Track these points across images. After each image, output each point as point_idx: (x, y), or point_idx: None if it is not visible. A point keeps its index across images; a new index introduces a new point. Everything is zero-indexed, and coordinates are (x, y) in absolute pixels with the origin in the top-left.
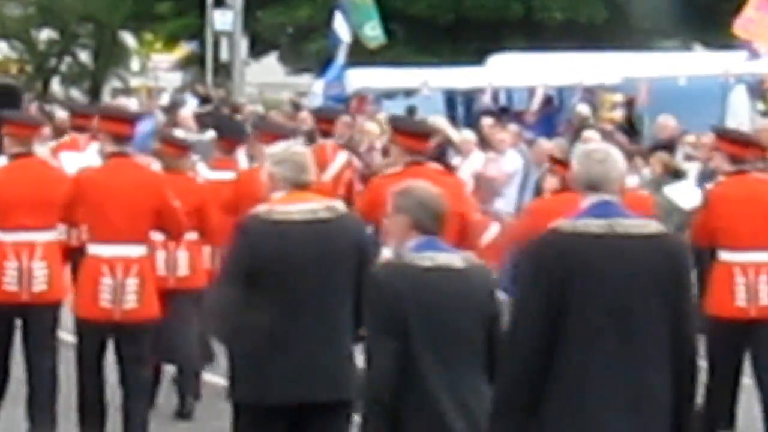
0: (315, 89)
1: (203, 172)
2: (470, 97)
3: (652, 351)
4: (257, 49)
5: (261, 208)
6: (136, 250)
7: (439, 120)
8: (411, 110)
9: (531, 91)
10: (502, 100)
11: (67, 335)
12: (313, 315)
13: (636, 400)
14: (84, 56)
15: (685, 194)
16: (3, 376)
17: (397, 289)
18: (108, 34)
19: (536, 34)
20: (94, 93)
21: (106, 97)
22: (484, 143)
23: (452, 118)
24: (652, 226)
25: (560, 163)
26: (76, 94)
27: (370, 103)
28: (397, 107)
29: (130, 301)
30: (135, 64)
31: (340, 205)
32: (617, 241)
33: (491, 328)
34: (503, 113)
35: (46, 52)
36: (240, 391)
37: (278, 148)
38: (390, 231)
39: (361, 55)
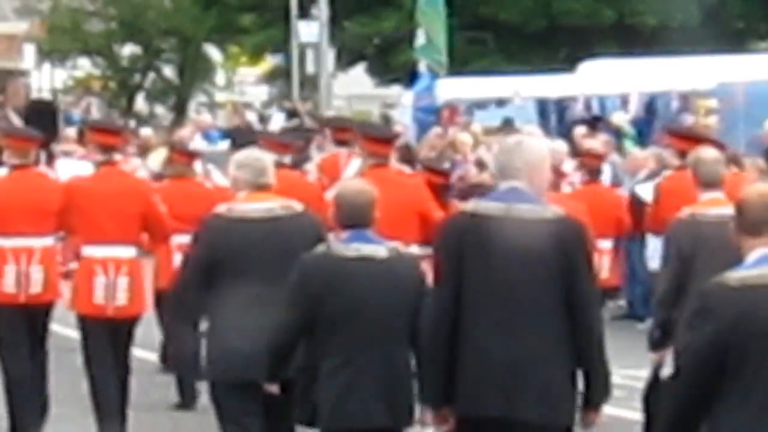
0: (404, 101)
1: (218, 179)
2: (562, 105)
3: (536, 321)
4: (344, 60)
5: (222, 207)
6: (126, 252)
7: (533, 130)
8: (508, 122)
9: (624, 99)
10: (595, 108)
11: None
12: (267, 302)
13: (514, 360)
14: (168, 71)
15: None
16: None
17: (312, 273)
18: (192, 48)
19: (628, 40)
20: (180, 109)
21: (191, 113)
22: (578, 153)
23: (544, 127)
24: (549, 212)
25: (427, 168)
26: (161, 110)
27: (461, 114)
28: (489, 117)
29: (122, 299)
30: (220, 79)
31: (297, 205)
32: (510, 223)
33: (416, 308)
34: (596, 122)
35: (130, 67)
36: (209, 368)
37: (241, 154)
38: (329, 225)
39: (452, 64)
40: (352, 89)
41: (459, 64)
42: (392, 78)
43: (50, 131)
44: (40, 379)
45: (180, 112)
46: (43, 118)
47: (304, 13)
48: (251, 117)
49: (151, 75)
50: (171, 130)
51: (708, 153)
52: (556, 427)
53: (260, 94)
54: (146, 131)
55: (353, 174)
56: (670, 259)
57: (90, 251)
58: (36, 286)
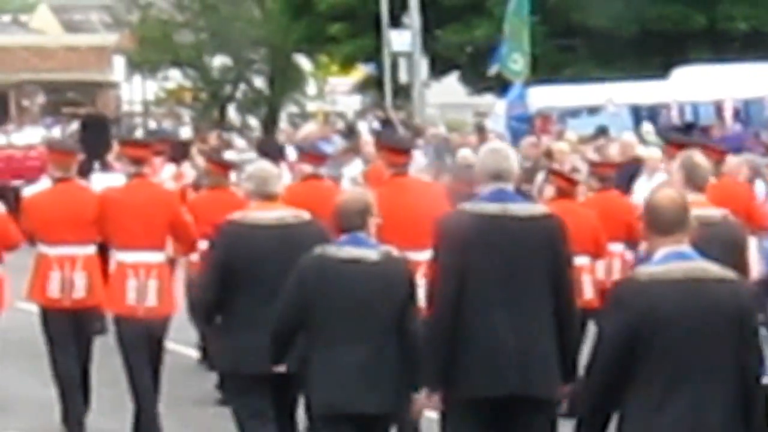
0: (497, 110)
1: None
2: (655, 112)
3: (534, 306)
4: (437, 69)
5: (237, 215)
6: (155, 257)
7: (629, 137)
8: (603, 130)
9: (717, 105)
10: (688, 115)
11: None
12: (276, 302)
13: (522, 342)
14: (259, 82)
15: None
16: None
17: (308, 272)
18: (282, 58)
19: (720, 45)
20: (271, 119)
21: (282, 124)
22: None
23: (637, 135)
24: (537, 210)
25: (557, 174)
26: (252, 121)
27: (554, 123)
28: (581, 125)
29: (152, 300)
30: (311, 89)
31: (305, 214)
32: (508, 220)
33: (404, 308)
34: (689, 129)
35: (221, 78)
36: (218, 361)
37: (251, 167)
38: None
39: (542, 71)
40: (445, 98)
41: (549, 72)
42: (485, 87)
43: (104, 143)
44: (84, 376)
45: (271, 122)
46: (96, 131)
47: (396, 22)
48: (340, 126)
49: (242, 86)
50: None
51: (702, 158)
52: (554, 400)
53: (352, 103)
54: (240, 142)
55: None
56: None
57: (122, 257)
58: (80, 292)
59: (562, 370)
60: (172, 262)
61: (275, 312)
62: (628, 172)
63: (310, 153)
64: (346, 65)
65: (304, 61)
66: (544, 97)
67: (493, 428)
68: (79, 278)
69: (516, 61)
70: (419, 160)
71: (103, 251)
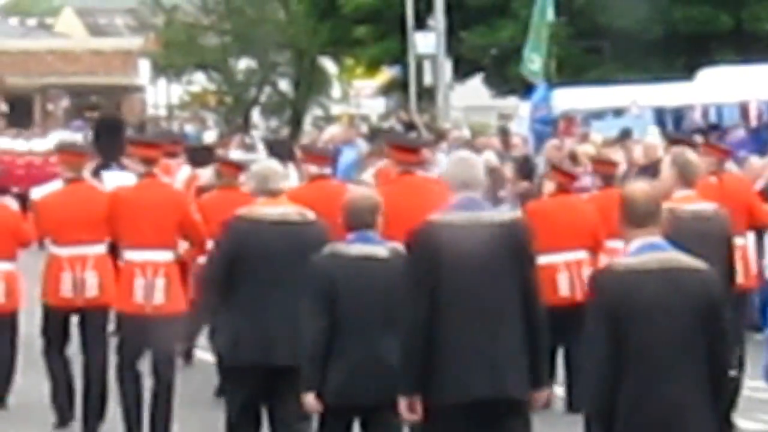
0: (521, 112)
1: None
2: (680, 114)
3: (504, 311)
4: (461, 71)
5: (243, 210)
6: (164, 255)
7: (653, 139)
8: (626, 132)
9: (742, 107)
10: (712, 116)
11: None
12: (278, 293)
13: (496, 345)
14: (284, 85)
15: None
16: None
17: (326, 270)
18: (307, 61)
19: (746, 46)
20: (296, 122)
21: (307, 127)
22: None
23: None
24: (503, 217)
25: (557, 169)
26: (276, 124)
27: (578, 125)
28: (606, 127)
29: (159, 298)
30: (336, 92)
31: (309, 213)
32: (480, 230)
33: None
34: (713, 130)
35: (245, 82)
36: (227, 352)
37: (255, 165)
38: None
39: (568, 73)
40: (470, 100)
41: (575, 74)
42: (509, 89)
43: (119, 145)
44: (99, 375)
45: (296, 125)
46: (111, 134)
47: (421, 24)
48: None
49: (267, 89)
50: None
51: (694, 155)
52: (527, 401)
53: (377, 106)
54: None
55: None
56: None
57: (130, 255)
58: (92, 291)
59: (534, 372)
60: (183, 264)
61: (304, 326)
62: (652, 173)
63: (316, 154)
64: (371, 68)
65: (329, 64)
66: (569, 99)
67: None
68: (90, 277)
69: (533, 62)
70: (443, 162)
71: (115, 250)
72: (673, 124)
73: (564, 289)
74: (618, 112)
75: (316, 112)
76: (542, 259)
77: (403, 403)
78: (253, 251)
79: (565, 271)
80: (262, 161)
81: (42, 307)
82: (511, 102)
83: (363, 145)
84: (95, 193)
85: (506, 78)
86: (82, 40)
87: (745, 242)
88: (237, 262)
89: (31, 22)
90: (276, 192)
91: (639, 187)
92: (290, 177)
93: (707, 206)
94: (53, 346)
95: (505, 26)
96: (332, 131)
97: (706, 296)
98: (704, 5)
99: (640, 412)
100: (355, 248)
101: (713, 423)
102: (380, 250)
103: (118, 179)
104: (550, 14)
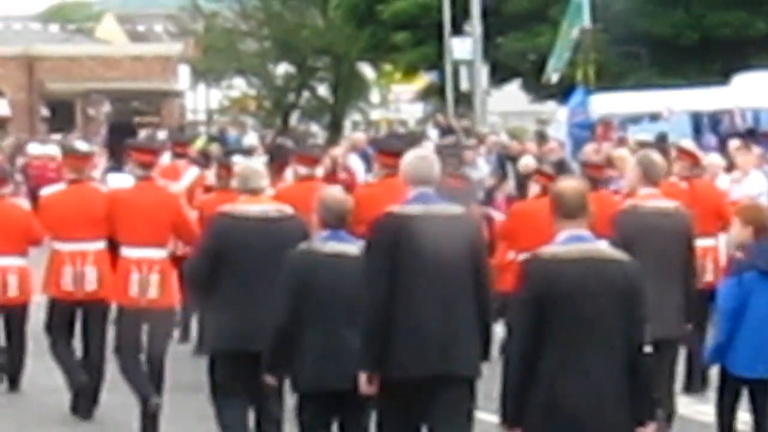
0: (559, 117)
1: None
2: (716, 118)
3: (456, 295)
4: (498, 76)
5: (227, 207)
6: (158, 253)
7: (687, 143)
8: (662, 137)
9: None
10: (749, 120)
11: None
12: (259, 285)
13: (448, 327)
14: (322, 90)
15: None
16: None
17: (299, 265)
18: (346, 67)
19: None
20: (335, 127)
21: (346, 131)
22: (733, 166)
23: (698, 141)
24: (455, 209)
25: (542, 173)
26: (315, 129)
27: (615, 130)
28: (642, 131)
29: (153, 293)
30: (375, 97)
31: (288, 209)
32: (434, 221)
33: None
34: (750, 135)
35: (284, 86)
36: (211, 340)
37: (238, 166)
38: (313, 226)
39: (606, 79)
40: (507, 105)
41: (613, 79)
42: (547, 94)
43: None
44: (97, 363)
45: (335, 130)
46: (123, 136)
47: (458, 30)
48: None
49: (306, 94)
50: (326, 149)
51: (658, 156)
52: (474, 378)
53: (415, 111)
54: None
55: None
56: (616, 242)
57: (127, 252)
58: (91, 284)
59: (485, 350)
60: (177, 259)
61: (275, 309)
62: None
63: (305, 155)
64: (409, 73)
65: (367, 70)
66: (606, 104)
67: (420, 405)
68: (90, 272)
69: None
70: (482, 167)
71: (114, 247)
72: (710, 129)
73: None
74: (654, 117)
75: (355, 116)
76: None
77: (362, 378)
78: (234, 246)
79: None
80: (245, 162)
81: (47, 301)
82: (548, 107)
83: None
84: (96, 193)
85: (544, 83)
86: (123, 46)
87: (716, 243)
88: (220, 257)
89: (72, 28)
90: (256, 190)
91: (569, 184)
92: (288, 180)
93: (668, 203)
94: (59, 337)
95: (542, 32)
96: (357, 136)
97: (625, 284)
98: (739, 11)
99: (560, 384)
100: (329, 246)
101: (627, 394)
102: (351, 248)
103: (119, 180)
104: (586, 20)
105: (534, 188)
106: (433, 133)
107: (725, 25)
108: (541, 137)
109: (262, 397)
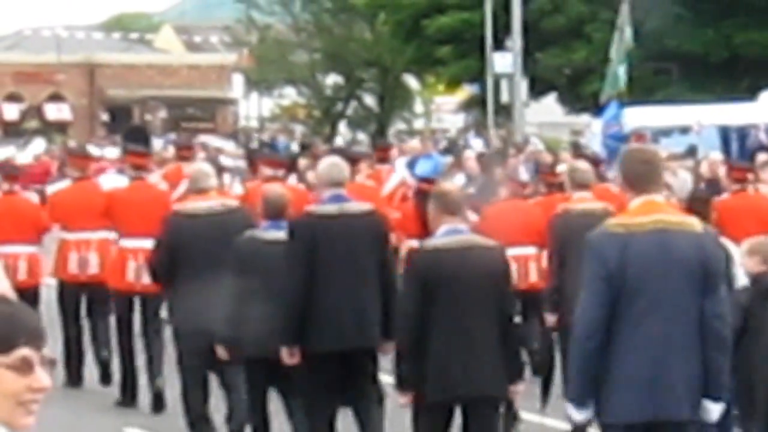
0: (593, 129)
1: (236, 189)
2: (744, 133)
3: (366, 280)
4: (536, 89)
5: (178, 206)
6: (151, 243)
7: (715, 156)
8: (692, 149)
9: None
10: None
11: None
12: (208, 275)
13: (356, 310)
14: (369, 100)
15: None
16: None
17: (243, 250)
18: (392, 78)
19: None
20: (380, 135)
21: (391, 140)
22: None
23: (727, 154)
24: (364, 207)
25: (511, 179)
26: (362, 137)
27: (647, 141)
28: (673, 144)
29: (147, 278)
30: (418, 107)
31: (233, 202)
32: (345, 218)
33: None
34: None
35: (333, 96)
36: (173, 320)
37: (189, 168)
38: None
39: (638, 93)
40: (544, 117)
41: (645, 93)
42: (582, 107)
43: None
44: (104, 337)
45: (380, 138)
46: (138, 140)
47: (499, 45)
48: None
49: (353, 103)
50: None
51: (584, 164)
52: (381, 351)
53: (457, 121)
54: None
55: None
56: (552, 243)
57: (124, 243)
58: (93, 268)
59: (387, 326)
60: None
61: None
62: (715, 188)
63: (269, 159)
64: (452, 85)
65: (411, 81)
66: (638, 117)
67: (337, 376)
68: (92, 258)
69: (622, 74)
70: (523, 174)
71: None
72: (738, 143)
73: (514, 278)
74: (684, 130)
75: (400, 125)
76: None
77: (284, 351)
78: (187, 239)
79: (514, 263)
80: (195, 165)
81: (57, 284)
82: (582, 119)
83: (438, 157)
84: (96, 189)
85: (579, 96)
86: (180, 56)
87: None
88: (176, 250)
89: (132, 37)
90: (204, 189)
91: (451, 185)
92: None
93: (596, 205)
94: (68, 315)
95: (579, 48)
96: (412, 144)
97: (495, 267)
98: (765, 30)
99: (445, 352)
100: (269, 234)
101: (501, 355)
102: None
103: (113, 181)
104: (627, 36)
105: (503, 192)
106: (476, 142)
107: (753, 44)
108: (576, 147)
109: (224, 366)
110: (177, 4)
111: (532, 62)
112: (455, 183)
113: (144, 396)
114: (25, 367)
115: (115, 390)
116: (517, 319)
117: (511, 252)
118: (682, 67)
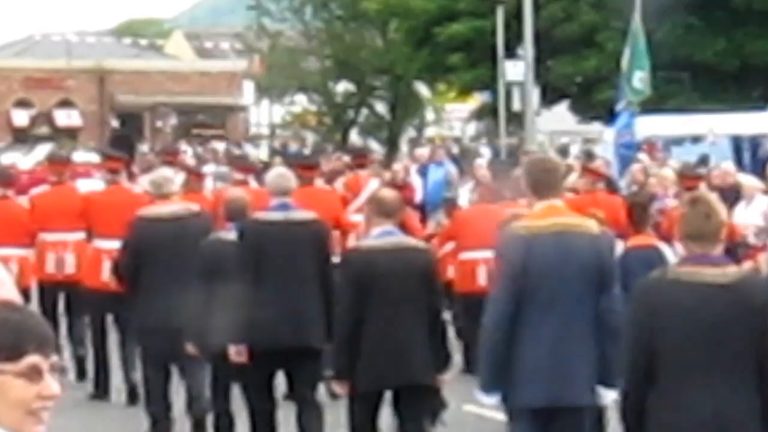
0: (606, 137)
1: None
2: (756, 142)
3: (305, 280)
4: (548, 98)
5: (143, 210)
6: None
7: (727, 165)
8: (704, 159)
9: None
10: None
11: None
12: (171, 275)
13: (295, 307)
14: (380, 107)
15: None
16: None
17: (209, 251)
18: (403, 86)
19: None
20: (391, 143)
21: (403, 147)
22: None
23: (739, 164)
24: (309, 215)
25: (481, 186)
26: (373, 144)
27: (659, 150)
28: (684, 153)
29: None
30: (430, 114)
31: (195, 207)
32: (289, 225)
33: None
34: None
35: (344, 104)
36: (138, 319)
37: (152, 175)
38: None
39: (650, 102)
40: (555, 125)
41: (657, 102)
42: (593, 115)
43: (129, 156)
44: (78, 336)
45: (392, 146)
46: (122, 146)
47: (511, 53)
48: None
49: (364, 111)
50: (384, 164)
51: (387, 192)
52: (320, 350)
53: (468, 129)
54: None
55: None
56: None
57: (99, 243)
58: (70, 268)
59: (330, 326)
60: None
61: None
62: (728, 197)
63: (240, 164)
64: (463, 93)
65: (422, 89)
66: (650, 126)
67: (277, 373)
68: (69, 258)
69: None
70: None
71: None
72: (750, 152)
73: (482, 279)
74: (696, 139)
75: (411, 133)
76: (466, 255)
77: (232, 349)
78: (151, 242)
79: (483, 265)
80: (158, 171)
81: (36, 284)
82: (594, 127)
83: (451, 167)
84: (74, 193)
85: (591, 105)
86: (191, 62)
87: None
88: (141, 252)
89: (142, 43)
90: (167, 195)
91: (386, 191)
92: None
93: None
94: (46, 313)
95: (590, 56)
96: (422, 151)
97: (424, 267)
98: None
99: (379, 345)
100: (232, 235)
101: (431, 347)
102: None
103: (89, 185)
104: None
105: (473, 196)
106: (485, 150)
107: (766, 53)
108: (588, 155)
109: (185, 360)
110: (188, 11)
111: (544, 70)
112: (387, 189)
113: (120, 391)
114: (34, 374)
115: (89, 385)
116: (445, 314)
117: (480, 255)
118: (694, 76)
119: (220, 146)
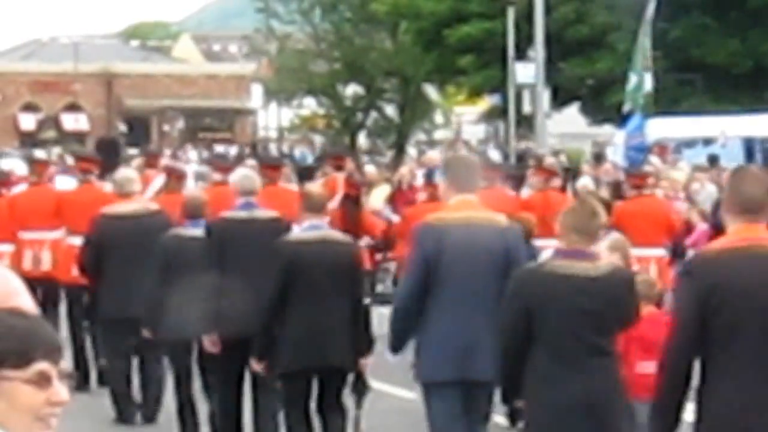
0: (616, 140)
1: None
2: None
3: (264, 271)
4: (559, 100)
5: (106, 208)
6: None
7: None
8: (713, 159)
9: None
10: None
11: None
12: (131, 269)
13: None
14: (389, 110)
15: None
16: None
17: (166, 246)
18: (412, 88)
19: None
20: (400, 146)
21: (411, 150)
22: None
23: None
24: (271, 215)
25: (431, 184)
26: (382, 147)
27: (670, 153)
28: (696, 155)
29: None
30: (439, 117)
31: (154, 206)
32: (253, 223)
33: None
34: None
35: (353, 106)
36: (100, 310)
37: (116, 174)
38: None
39: (663, 104)
40: (566, 128)
41: (669, 104)
42: (604, 118)
43: (114, 160)
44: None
45: (400, 149)
46: (108, 151)
47: (521, 55)
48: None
49: (373, 113)
50: (393, 167)
51: (314, 186)
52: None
53: (478, 132)
54: (369, 168)
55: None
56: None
57: (72, 240)
58: (46, 266)
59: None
60: None
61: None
62: None
63: (218, 164)
64: (473, 95)
65: (431, 91)
66: (661, 128)
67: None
68: (45, 255)
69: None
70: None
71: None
72: (762, 154)
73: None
74: (707, 142)
75: (420, 136)
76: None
77: (206, 339)
78: (112, 239)
79: None
80: (120, 171)
81: None
82: (605, 130)
83: None
84: (49, 193)
85: (602, 107)
86: (198, 65)
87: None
88: (103, 247)
89: (150, 46)
90: (129, 194)
91: (315, 187)
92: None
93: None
94: None
95: (601, 58)
96: (431, 155)
97: (347, 257)
98: None
99: (305, 328)
100: (189, 231)
101: (354, 333)
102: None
103: (65, 183)
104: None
105: (422, 195)
106: (494, 153)
107: None
108: (598, 158)
109: (145, 349)
110: (195, 13)
111: (555, 72)
112: (315, 185)
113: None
114: (42, 381)
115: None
116: (367, 301)
117: None
118: (707, 77)
119: (231, 149)
